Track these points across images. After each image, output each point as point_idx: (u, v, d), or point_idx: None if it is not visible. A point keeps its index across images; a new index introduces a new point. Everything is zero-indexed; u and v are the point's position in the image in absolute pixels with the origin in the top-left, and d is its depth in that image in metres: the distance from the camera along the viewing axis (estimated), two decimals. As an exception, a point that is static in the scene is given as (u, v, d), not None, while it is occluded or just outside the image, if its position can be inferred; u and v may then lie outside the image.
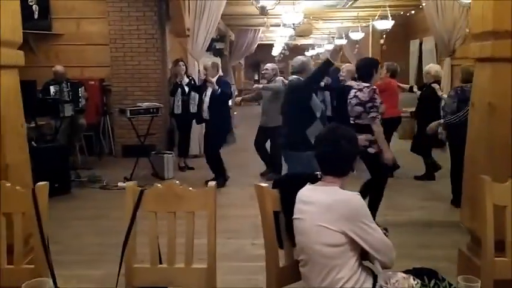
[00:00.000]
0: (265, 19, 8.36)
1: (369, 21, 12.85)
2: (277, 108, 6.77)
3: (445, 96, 6.49)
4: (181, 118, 7.29)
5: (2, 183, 2.31)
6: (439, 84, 6.62)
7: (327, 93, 7.74)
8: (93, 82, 8.33)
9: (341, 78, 7.15)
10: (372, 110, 4.40)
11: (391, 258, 2.05)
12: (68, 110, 6.74)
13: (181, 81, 7.21)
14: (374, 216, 4.55)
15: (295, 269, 2.27)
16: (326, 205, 2.02)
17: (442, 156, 6.58)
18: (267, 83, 6.86)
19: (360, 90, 4.49)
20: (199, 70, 8.29)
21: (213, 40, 8.71)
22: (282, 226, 2.29)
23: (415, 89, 7.16)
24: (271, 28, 14.77)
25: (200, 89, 6.86)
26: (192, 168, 7.55)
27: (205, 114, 6.51)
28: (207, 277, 2.27)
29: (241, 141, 8.20)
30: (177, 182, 2.35)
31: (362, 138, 4.33)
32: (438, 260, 3.78)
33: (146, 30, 8.37)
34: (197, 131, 8.03)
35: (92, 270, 4.01)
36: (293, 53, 16.50)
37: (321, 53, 18.22)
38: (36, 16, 7.93)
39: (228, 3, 8.34)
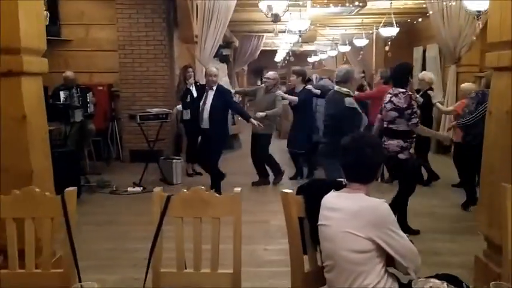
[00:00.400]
0: (274, 26, 8.40)
1: (372, 28, 12.92)
2: (272, 118, 6.83)
3: (438, 104, 6.67)
4: (190, 124, 7.33)
5: (31, 188, 2.35)
6: (432, 91, 6.73)
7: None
8: (101, 88, 8.39)
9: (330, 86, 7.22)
10: (412, 116, 4.43)
11: (417, 264, 2.09)
12: (78, 116, 6.80)
13: (191, 87, 7.26)
14: (405, 220, 4.64)
15: (319, 274, 2.30)
16: (353, 212, 2.05)
17: (447, 162, 6.65)
18: (266, 91, 6.83)
19: (396, 95, 4.50)
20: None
21: (220, 46, 8.76)
22: (306, 232, 2.33)
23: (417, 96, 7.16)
24: (273, 35, 14.86)
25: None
26: (200, 174, 7.58)
27: (205, 124, 6.29)
28: (233, 282, 2.31)
29: (247, 146, 8.24)
30: (185, 190, 2.40)
31: (394, 144, 4.39)
32: (451, 266, 3.81)
33: (155, 37, 8.45)
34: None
35: (106, 275, 4.02)
36: (296, 59, 16.62)
37: (324, 60, 18.27)
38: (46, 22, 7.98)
39: (234, 9, 8.40)
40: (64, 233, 2.35)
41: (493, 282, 1.58)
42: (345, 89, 4.48)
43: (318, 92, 7.21)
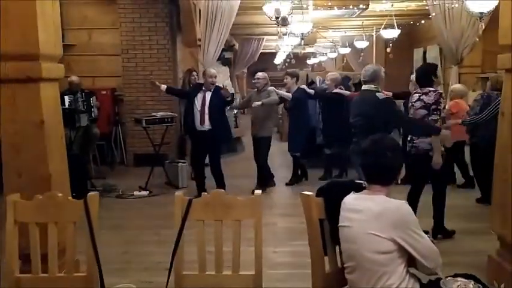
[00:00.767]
0: (278, 29, 8.43)
1: (372, 30, 12.99)
2: (271, 118, 6.81)
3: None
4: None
5: (53, 193, 2.38)
6: None
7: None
8: (105, 92, 8.40)
9: (325, 86, 7.24)
10: (434, 112, 4.46)
11: (438, 264, 2.12)
12: (84, 120, 6.81)
13: None
14: (442, 221, 4.65)
15: (340, 275, 2.33)
16: (375, 213, 2.08)
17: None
18: (258, 92, 6.77)
19: (426, 94, 4.52)
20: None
21: (222, 50, 8.78)
22: (327, 233, 2.36)
23: None
24: (274, 37, 14.89)
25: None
26: (204, 177, 7.55)
27: (206, 126, 6.12)
28: (254, 283, 2.34)
29: (250, 149, 8.25)
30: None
31: (426, 141, 4.43)
32: (461, 266, 3.83)
33: (158, 41, 8.47)
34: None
35: (118, 278, 4.01)
36: (296, 61, 16.65)
37: (323, 62, 18.32)
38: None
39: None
40: (86, 237, 2.38)
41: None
42: (373, 86, 4.52)
43: (312, 91, 7.25)
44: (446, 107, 6.69)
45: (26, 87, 2.71)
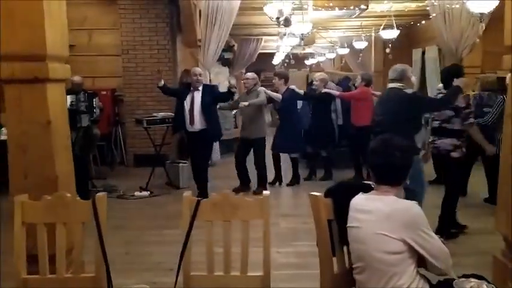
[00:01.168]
0: (279, 29, 8.44)
1: (371, 31, 12.99)
2: (261, 119, 6.70)
3: None
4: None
5: (62, 193, 2.37)
6: None
7: (338, 102, 7.87)
8: (105, 92, 8.38)
9: (314, 87, 7.24)
10: (470, 116, 4.51)
11: (449, 265, 2.13)
12: (85, 121, 6.80)
13: None
14: (454, 219, 4.69)
15: (348, 276, 2.33)
16: (385, 214, 2.09)
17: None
18: (247, 92, 6.72)
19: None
20: (210, 80, 8.38)
21: (222, 50, 8.78)
22: (335, 234, 2.36)
23: None
24: (272, 37, 14.88)
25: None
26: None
27: (197, 126, 6.00)
28: (263, 284, 2.34)
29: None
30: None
31: (447, 142, 4.49)
32: (465, 267, 3.84)
33: (158, 41, 8.48)
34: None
35: (122, 279, 3.99)
36: (295, 62, 16.65)
37: (321, 62, 18.32)
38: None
39: (234, 13, 8.43)
40: (93, 237, 2.38)
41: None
42: (400, 85, 4.52)
43: (302, 92, 7.27)
44: None
45: (32, 87, 2.71)
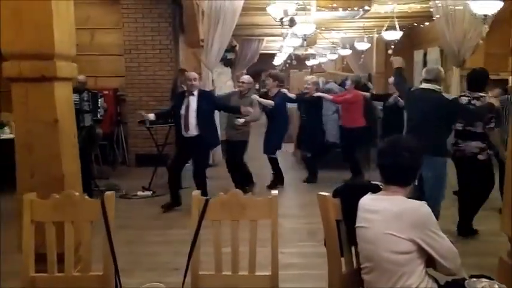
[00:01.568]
0: (282, 30, 8.45)
1: (373, 32, 13.01)
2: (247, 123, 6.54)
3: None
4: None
5: (70, 192, 2.37)
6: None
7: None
8: (107, 92, 8.36)
9: (305, 90, 7.21)
10: (492, 120, 4.52)
11: (457, 265, 2.13)
12: (88, 120, 6.79)
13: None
14: (472, 220, 4.71)
15: (355, 276, 2.33)
16: (394, 214, 2.09)
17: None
18: (241, 96, 6.59)
19: (477, 99, 4.58)
20: (213, 80, 8.38)
21: (224, 51, 8.78)
22: (342, 234, 2.36)
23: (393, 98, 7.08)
24: (274, 38, 14.89)
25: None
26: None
27: (192, 131, 5.79)
28: (271, 284, 2.34)
29: (251, 150, 8.22)
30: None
31: (472, 145, 4.53)
32: (468, 268, 3.85)
33: (161, 41, 8.48)
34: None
35: (127, 279, 3.97)
36: (296, 62, 16.69)
37: (323, 63, 18.33)
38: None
39: (237, 13, 8.43)
40: (100, 236, 2.38)
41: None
42: (437, 86, 4.59)
43: (293, 96, 7.29)
44: None
45: (39, 86, 2.71)
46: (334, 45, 15.64)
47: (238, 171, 6.68)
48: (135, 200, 6.50)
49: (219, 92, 7.82)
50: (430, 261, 2.15)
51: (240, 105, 6.22)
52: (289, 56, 15.98)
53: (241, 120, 6.28)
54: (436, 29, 8.59)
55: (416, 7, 9.33)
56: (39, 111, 2.73)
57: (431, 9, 8.18)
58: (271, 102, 6.70)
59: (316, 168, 7.54)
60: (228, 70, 11.76)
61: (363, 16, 9.08)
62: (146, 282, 3.82)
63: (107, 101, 8.15)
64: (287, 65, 18.32)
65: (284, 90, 7.09)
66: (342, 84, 8.21)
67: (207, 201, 2.37)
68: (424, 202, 2.13)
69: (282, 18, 6.34)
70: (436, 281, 2.19)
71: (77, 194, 2.35)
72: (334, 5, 7.20)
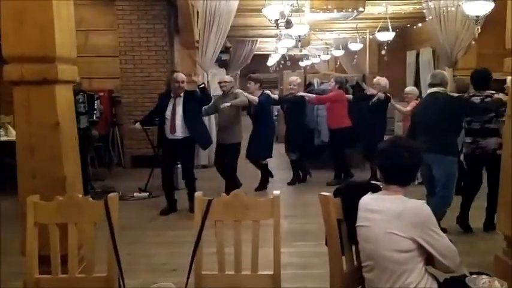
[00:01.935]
0: (278, 31, 8.48)
1: (366, 33, 13.08)
2: (239, 124, 6.49)
3: (397, 105, 7.11)
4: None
5: (74, 194, 2.39)
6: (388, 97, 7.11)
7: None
8: (102, 93, 8.36)
9: (292, 91, 7.22)
10: (505, 114, 4.61)
11: (456, 263, 2.17)
12: (83, 122, 6.77)
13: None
14: (493, 220, 4.59)
15: (356, 274, 2.37)
16: (396, 213, 2.13)
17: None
18: (223, 95, 6.51)
19: (489, 96, 4.73)
20: (208, 81, 8.39)
21: (219, 52, 8.80)
22: (344, 233, 2.40)
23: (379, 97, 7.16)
24: (267, 39, 14.94)
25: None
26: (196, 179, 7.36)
27: (178, 133, 5.71)
28: (274, 284, 2.38)
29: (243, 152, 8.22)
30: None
31: (492, 142, 4.67)
32: (466, 266, 3.90)
33: (156, 43, 8.50)
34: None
35: (126, 280, 4.02)
36: (290, 63, 16.74)
37: (316, 64, 18.39)
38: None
39: (231, 14, 8.46)
40: (104, 238, 2.40)
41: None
42: (443, 89, 4.69)
43: (276, 96, 7.32)
44: (408, 108, 6.81)
45: (41, 89, 2.73)
46: (328, 46, 15.71)
47: (229, 174, 6.58)
48: (132, 202, 6.51)
49: (214, 93, 7.78)
50: (429, 259, 2.19)
51: (223, 103, 6.23)
52: (283, 57, 16.02)
53: (227, 104, 6.19)
54: (429, 30, 8.66)
55: (409, 8, 9.41)
56: (41, 114, 2.75)
57: (424, 11, 8.26)
58: (255, 98, 6.62)
59: (307, 169, 7.57)
60: (223, 71, 11.75)
61: (356, 17, 9.14)
62: (145, 284, 3.87)
63: (102, 102, 8.16)
64: (280, 66, 18.35)
65: (267, 92, 7.08)
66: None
67: (209, 202, 2.39)
68: (424, 202, 2.17)
69: (277, 20, 6.35)
70: (435, 278, 2.23)
71: (80, 196, 2.36)
72: (329, 7, 7.24)
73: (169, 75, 7.57)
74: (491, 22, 7.00)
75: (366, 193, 2.34)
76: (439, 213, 4.65)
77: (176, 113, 5.71)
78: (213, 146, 6.92)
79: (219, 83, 6.67)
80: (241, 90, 6.64)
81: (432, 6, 7.74)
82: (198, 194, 2.45)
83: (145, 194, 6.73)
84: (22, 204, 2.46)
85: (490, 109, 4.65)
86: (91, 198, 2.43)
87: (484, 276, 1.72)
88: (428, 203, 2.20)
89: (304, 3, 8.02)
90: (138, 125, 6.19)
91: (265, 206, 2.41)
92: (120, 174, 8.29)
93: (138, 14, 8.46)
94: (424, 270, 2.17)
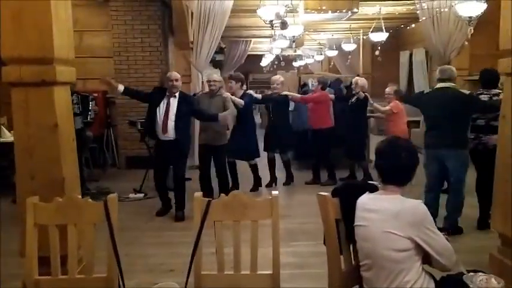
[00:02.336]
0: (272, 32, 8.51)
1: (359, 33, 13.15)
2: (225, 125, 6.32)
3: (376, 104, 7.15)
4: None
5: (73, 195, 2.40)
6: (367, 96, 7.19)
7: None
8: (96, 94, 8.34)
9: (276, 90, 7.18)
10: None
11: (453, 261, 2.21)
12: (78, 123, 6.72)
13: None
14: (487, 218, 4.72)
15: (354, 273, 2.40)
16: (393, 213, 2.16)
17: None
18: (211, 95, 6.36)
19: (497, 95, 4.79)
20: (202, 82, 8.40)
21: (214, 52, 8.80)
22: (342, 233, 2.42)
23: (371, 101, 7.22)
24: (261, 39, 14.98)
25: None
26: (189, 179, 7.07)
27: (170, 134, 5.61)
28: (272, 283, 2.40)
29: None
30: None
31: (494, 138, 4.62)
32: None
33: (150, 43, 8.48)
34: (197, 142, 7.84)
35: (125, 280, 4.05)
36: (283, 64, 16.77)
37: (309, 64, 18.45)
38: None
39: (225, 15, 8.46)
40: (103, 239, 2.41)
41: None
42: (453, 84, 4.77)
43: (259, 96, 7.31)
44: (387, 107, 6.86)
45: (39, 90, 2.73)
46: (321, 47, 15.77)
47: (220, 176, 6.48)
48: (127, 203, 6.49)
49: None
50: (426, 258, 2.22)
51: (211, 105, 6.14)
52: (277, 58, 16.05)
53: (229, 119, 6.16)
54: (422, 30, 8.73)
55: (402, 9, 9.48)
56: (39, 116, 2.75)
57: (417, 11, 8.32)
58: (241, 101, 6.48)
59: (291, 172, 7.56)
60: (218, 72, 11.78)
61: (350, 18, 9.20)
62: (143, 284, 3.89)
63: (97, 103, 8.15)
64: (274, 66, 18.39)
65: (249, 91, 7.05)
66: (330, 85, 8.27)
67: (209, 202, 2.41)
68: (421, 201, 2.20)
69: (272, 21, 6.36)
70: (432, 277, 2.27)
71: (80, 197, 2.37)
72: (323, 7, 7.28)
73: (162, 75, 7.54)
74: (484, 23, 7.08)
75: (363, 193, 2.37)
76: (459, 208, 4.82)
77: (169, 114, 5.62)
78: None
79: (208, 81, 6.52)
80: (228, 95, 6.39)
81: (425, 7, 7.80)
82: (197, 194, 2.46)
83: (141, 195, 6.73)
84: (21, 205, 2.46)
85: (497, 107, 4.72)
86: (90, 199, 2.44)
87: (480, 274, 1.76)
88: (426, 200, 2.24)
89: (298, 4, 8.06)
90: (121, 87, 5.77)
91: (264, 206, 2.43)
92: (115, 175, 8.27)
93: (132, 15, 8.43)
94: (422, 269, 2.20)
